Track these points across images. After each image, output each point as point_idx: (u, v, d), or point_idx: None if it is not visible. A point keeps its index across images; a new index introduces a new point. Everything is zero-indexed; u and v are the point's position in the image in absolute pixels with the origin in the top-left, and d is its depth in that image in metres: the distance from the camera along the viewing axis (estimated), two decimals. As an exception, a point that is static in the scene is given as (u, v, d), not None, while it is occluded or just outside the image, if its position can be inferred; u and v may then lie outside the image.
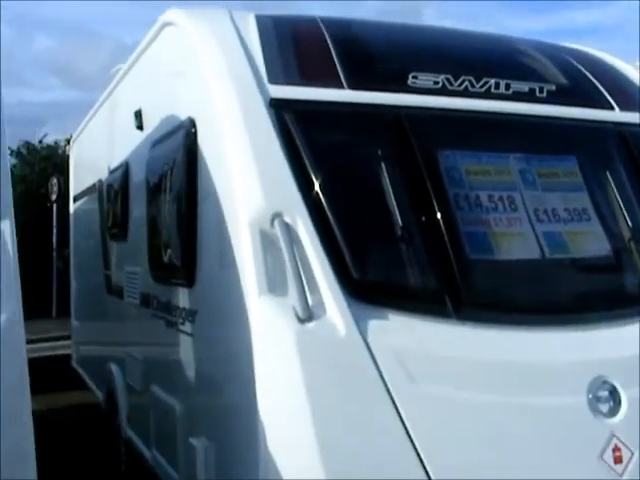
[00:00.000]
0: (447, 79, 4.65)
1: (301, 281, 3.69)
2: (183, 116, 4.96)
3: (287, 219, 3.84)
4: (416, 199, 4.25)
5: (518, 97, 4.82)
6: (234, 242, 4.04)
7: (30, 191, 22.15)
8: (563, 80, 5.15)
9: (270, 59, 4.51)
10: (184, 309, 4.98)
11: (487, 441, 3.75)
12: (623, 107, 5.19)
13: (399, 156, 4.38)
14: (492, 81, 4.74)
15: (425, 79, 4.62)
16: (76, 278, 11.48)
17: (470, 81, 4.69)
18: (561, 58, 5.44)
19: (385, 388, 3.63)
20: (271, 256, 3.80)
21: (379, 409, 3.63)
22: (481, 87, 4.72)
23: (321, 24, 4.86)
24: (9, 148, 22.50)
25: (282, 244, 3.75)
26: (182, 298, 5.05)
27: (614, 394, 3.95)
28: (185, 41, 4.94)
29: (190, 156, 4.75)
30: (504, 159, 4.63)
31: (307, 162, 4.11)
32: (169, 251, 5.30)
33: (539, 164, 4.68)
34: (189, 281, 4.82)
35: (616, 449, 3.85)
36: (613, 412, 3.93)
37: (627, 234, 4.66)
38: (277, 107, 4.27)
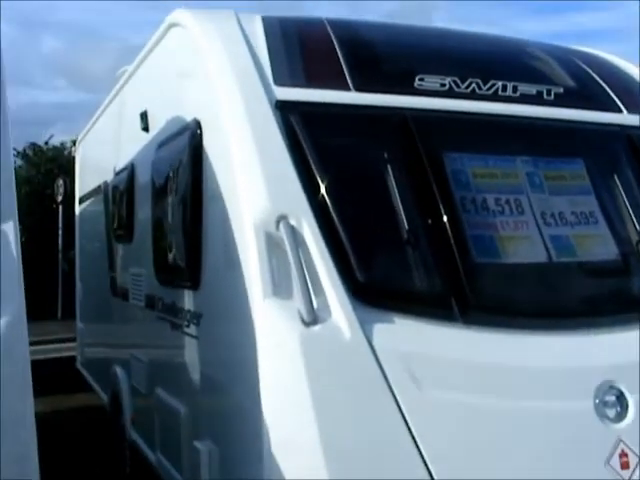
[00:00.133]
0: (454, 81, 4.64)
1: (306, 284, 3.67)
2: (189, 118, 4.95)
3: (292, 221, 3.83)
4: (422, 202, 4.23)
5: (525, 100, 4.80)
6: (239, 244, 4.03)
7: (36, 192, 22.17)
8: (571, 83, 5.13)
9: (276, 61, 4.50)
10: (189, 312, 4.97)
11: (493, 446, 3.72)
12: (631, 110, 5.16)
13: (405, 159, 4.36)
14: (499, 83, 4.72)
15: (432, 81, 4.61)
16: (81, 280, 11.49)
17: (477, 83, 4.67)
18: (569, 60, 5.42)
19: (390, 391, 3.61)
20: (276, 259, 3.78)
21: (384, 412, 3.61)
22: (488, 89, 4.70)
23: (328, 26, 4.85)
24: (15, 149, 22.58)
25: (287, 247, 3.73)
26: (187, 301, 5.04)
27: (621, 399, 3.93)
28: (191, 42, 4.93)
29: (195, 158, 4.74)
30: (511, 162, 4.61)
31: (313, 164, 4.10)
32: (174, 253, 5.29)
33: (546, 167, 4.66)
34: (194, 283, 4.81)
35: (623, 454, 3.83)
36: (620, 417, 3.90)
37: (635, 237, 4.64)
38: (283, 109, 4.26)
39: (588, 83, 5.25)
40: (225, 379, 4.45)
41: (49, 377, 9.52)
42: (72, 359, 11.36)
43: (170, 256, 5.38)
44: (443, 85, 4.62)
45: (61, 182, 19.77)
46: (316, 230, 3.85)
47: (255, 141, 4.09)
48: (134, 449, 6.65)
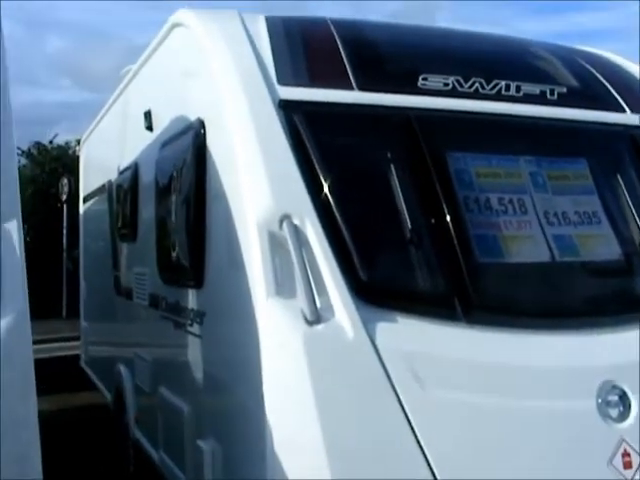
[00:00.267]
0: (457, 81, 4.63)
1: (309, 283, 3.67)
2: (192, 117, 4.95)
3: (296, 221, 3.82)
4: (425, 201, 4.23)
5: (529, 99, 4.80)
6: (242, 244, 4.03)
7: (40, 191, 22.21)
8: (574, 82, 5.12)
9: (279, 60, 4.50)
10: (192, 310, 4.97)
11: (496, 445, 3.72)
12: (634, 109, 5.15)
13: (408, 158, 4.36)
14: (502, 83, 4.72)
15: (435, 81, 4.61)
16: (85, 279, 11.51)
17: (480, 83, 4.67)
18: (572, 60, 5.42)
19: (393, 391, 3.61)
20: (279, 258, 3.78)
21: (387, 412, 3.61)
22: (491, 89, 4.70)
23: (331, 25, 4.85)
24: (19, 148, 22.64)
25: (290, 246, 3.73)
26: (190, 299, 5.04)
27: (624, 399, 3.92)
28: (195, 42, 4.93)
29: (199, 157, 4.74)
30: (514, 161, 4.61)
31: (316, 164, 4.10)
32: (178, 252, 5.29)
33: (549, 167, 4.66)
34: (197, 282, 4.81)
35: (625, 454, 3.82)
36: (623, 417, 3.90)
37: (638, 237, 4.63)
38: (286, 108, 4.26)
39: (591, 83, 5.24)
40: (228, 378, 4.45)
41: (53, 376, 9.54)
42: (76, 358, 11.38)
43: (174, 255, 5.38)
44: (446, 85, 4.62)
45: (65, 181, 19.81)
46: (319, 229, 3.85)
47: (259, 140, 4.09)
48: (138, 448, 6.66)
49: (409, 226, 4.09)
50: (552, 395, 3.87)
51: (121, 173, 7.83)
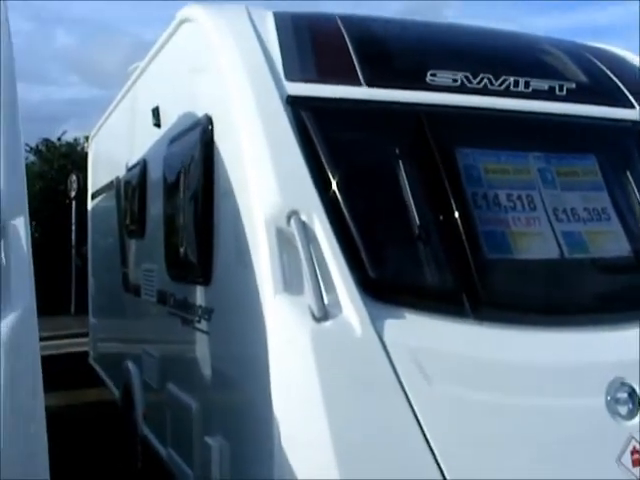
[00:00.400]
0: (466, 77, 4.62)
1: (317, 280, 3.66)
2: (200, 113, 4.95)
3: (303, 217, 3.81)
4: (434, 198, 4.21)
5: (537, 95, 4.77)
6: (250, 240, 4.03)
7: (49, 188, 22.27)
8: (583, 78, 5.09)
9: (287, 56, 4.49)
10: (200, 307, 4.98)
11: (504, 442, 3.71)
12: (644, 105, 5.13)
13: (417, 154, 4.35)
14: (511, 79, 4.70)
15: (444, 77, 4.59)
16: (94, 275, 11.53)
17: (489, 79, 4.65)
18: (581, 56, 5.39)
19: (401, 388, 3.60)
20: (287, 254, 3.78)
21: (395, 409, 3.60)
22: (500, 85, 4.68)
23: (339, 21, 4.84)
24: (28, 145, 22.70)
25: (298, 242, 3.73)
26: (198, 296, 5.04)
27: (633, 396, 3.90)
28: (202, 38, 4.93)
29: (207, 153, 4.74)
30: (523, 158, 4.59)
31: (324, 160, 4.09)
32: (185, 249, 5.29)
33: (558, 163, 4.64)
34: (205, 279, 4.81)
35: (634, 452, 3.81)
36: (632, 414, 3.88)
37: (647, 234, 4.61)
38: (294, 104, 4.25)
39: (600, 79, 5.22)
40: (236, 375, 4.45)
41: (62, 372, 9.57)
42: (85, 354, 11.40)
43: (181, 251, 5.38)
44: (455, 80, 4.60)
45: (74, 178, 19.85)
46: (327, 226, 3.84)
47: (266, 136, 4.09)
48: (146, 444, 6.67)
49: (417, 222, 4.08)
50: (561, 392, 3.86)
51: (129, 170, 7.84)
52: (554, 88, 4.85)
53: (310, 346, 3.58)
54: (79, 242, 18.90)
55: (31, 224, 3.15)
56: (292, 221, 3.79)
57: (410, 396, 3.59)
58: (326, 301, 3.64)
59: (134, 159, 7.54)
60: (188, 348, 5.30)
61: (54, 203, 21.36)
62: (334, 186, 4.03)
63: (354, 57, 4.54)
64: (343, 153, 4.25)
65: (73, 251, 20.02)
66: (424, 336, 3.80)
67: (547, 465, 3.72)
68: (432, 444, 3.55)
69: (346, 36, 4.67)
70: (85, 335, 11.86)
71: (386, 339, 3.65)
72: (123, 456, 7.59)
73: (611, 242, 4.52)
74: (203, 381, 5.03)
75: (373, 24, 5.24)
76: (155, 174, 6.49)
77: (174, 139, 5.65)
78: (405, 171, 4.21)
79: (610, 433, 3.84)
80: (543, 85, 4.82)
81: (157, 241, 6.16)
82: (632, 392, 3.91)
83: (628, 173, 4.83)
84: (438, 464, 3.54)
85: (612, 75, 5.24)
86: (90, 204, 11.88)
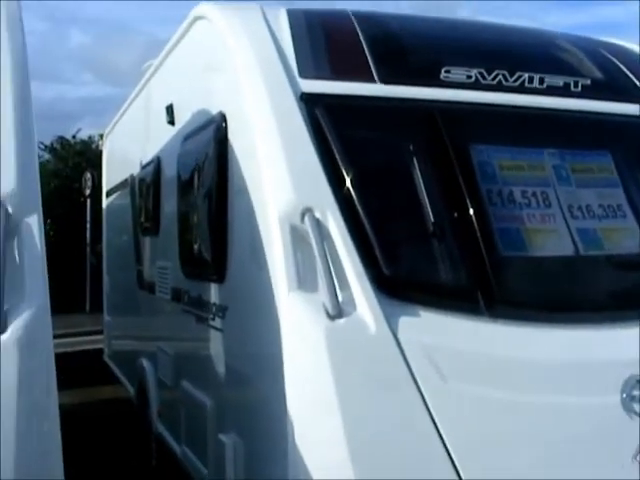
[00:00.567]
0: (480, 73, 4.60)
1: (331, 277, 3.65)
2: (214, 110, 4.95)
3: (317, 214, 3.81)
4: (448, 194, 4.20)
5: (552, 91, 4.76)
6: (264, 237, 4.03)
7: (64, 186, 22.29)
8: (598, 74, 5.07)
9: (301, 53, 4.49)
10: (214, 304, 4.98)
11: (518, 440, 3.70)
12: (660, 102, 5.10)
13: (431, 151, 4.33)
14: (526, 75, 4.69)
15: (458, 73, 4.58)
16: (108, 273, 11.55)
17: (504, 75, 4.64)
18: (596, 52, 5.36)
19: (416, 386, 3.60)
20: (301, 252, 3.77)
21: (409, 407, 3.60)
22: (515, 81, 4.66)
23: (353, 18, 4.83)
24: (43, 143, 22.76)
25: (312, 240, 3.72)
26: (212, 294, 5.04)
27: (648, 394, 3.89)
28: (216, 35, 4.93)
29: (221, 151, 4.74)
30: (538, 154, 4.57)
31: (338, 157, 4.08)
32: (200, 246, 5.30)
33: (573, 159, 4.62)
34: (220, 276, 4.81)
35: (650, 450, 3.79)
36: (647, 412, 3.87)
37: (663, 231, 4.58)
38: (308, 101, 4.25)
39: (615, 74, 5.19)
40: (250, 372, 4.45)
41: (77, 369, 9.60)
42: (99, 352, 11.43)
43: (196, 249, 5.39)
44: (469, 77, 4.59)
45: (89, 176, 19.87)
46: (341, 223, 3.83)
47: (280, 134, 4.08)
48: (160, 441, 6.68)
49: (431, 219, 4.06)
50: (576, 390, 3.84)
51: (144, 167, 7.85)
52: (569, 84, 4.83)
53: (324, 344, 3.57)
54: (94, 240, 18.93)
55: (46, 222, 3.16)
56: (306, 218, 3.78)
57: (424, 394, 3.59)
58: (340, 299, 3.63)
59: (148, 157, 7.55)
60: (202, 346, 5.30)
61: (69, 201, 21.39)
62: (348, 183, 4.02)
63: (368, 54, 4.53)
64: (357, 150, 4.24)
65: (88, 249, 20.05)
66: (438, 334, 3.78)
67: (562, 462, 3.71)
68: (447, 442, 3.55)
69: (360, 33, 4.66)
70: (100, 332, 11.88)
71: (400, 336, 3.64)
72: (137, 453, 7.60)
73: (626, 239, 4.50)
74: (217, 379, 5.03)
75: (386, 20, 5.23)
76: (169, 172, 6.50)
77: (188, 137, 5.65)
78: (419, 168, 4.20)
79: (626, 431, 3.82)
80: (558, 81, 4.80)
81: (171, 239, 6.16)
82: (647, 390, 3.89)
83: (643, 169, 4.80)
84: (453, 462, 3.53)
85: (627, 71, 5.22)
86: (105, 202, 11.91)
